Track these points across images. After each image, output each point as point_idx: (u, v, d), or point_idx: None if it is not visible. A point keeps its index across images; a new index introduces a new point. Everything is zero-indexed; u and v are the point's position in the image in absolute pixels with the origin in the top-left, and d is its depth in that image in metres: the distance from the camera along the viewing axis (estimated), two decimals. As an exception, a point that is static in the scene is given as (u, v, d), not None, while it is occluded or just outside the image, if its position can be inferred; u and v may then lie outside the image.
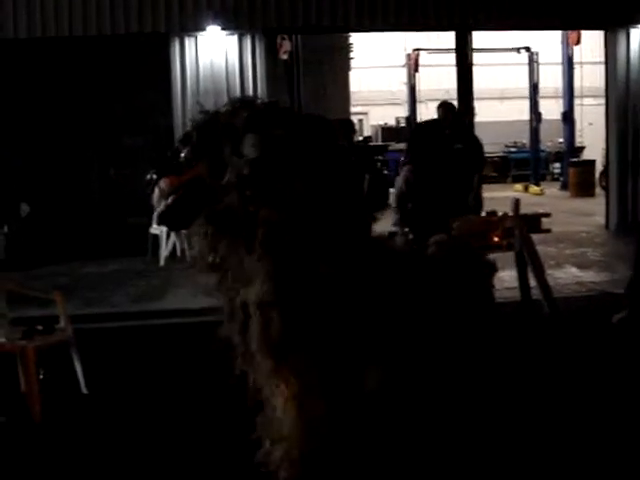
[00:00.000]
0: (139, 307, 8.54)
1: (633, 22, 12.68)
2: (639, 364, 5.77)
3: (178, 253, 11.34)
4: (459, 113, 9.40)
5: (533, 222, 7.03)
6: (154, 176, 3.24)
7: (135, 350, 6.87)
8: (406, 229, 4.51)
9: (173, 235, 11.33)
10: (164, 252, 11.12)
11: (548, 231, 7.38)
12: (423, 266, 3.59)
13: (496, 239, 6.57)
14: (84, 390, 5.62)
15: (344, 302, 3.17)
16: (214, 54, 11.83)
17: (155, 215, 3.31)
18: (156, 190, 3.21)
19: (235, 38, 11.85)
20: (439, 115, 9.02)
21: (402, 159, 9.19)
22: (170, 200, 3.16)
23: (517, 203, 6.74)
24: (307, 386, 3.26)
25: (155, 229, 11.29)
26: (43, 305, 6.50)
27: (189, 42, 11.82)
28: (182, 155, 3.22)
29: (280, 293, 3.11)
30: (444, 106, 9.04)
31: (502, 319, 4.57)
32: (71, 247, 11.71)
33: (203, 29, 11.68)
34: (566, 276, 9.34)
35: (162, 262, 11.00)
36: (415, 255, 3.71)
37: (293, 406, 3.27)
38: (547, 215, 7.30)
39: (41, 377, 5.35)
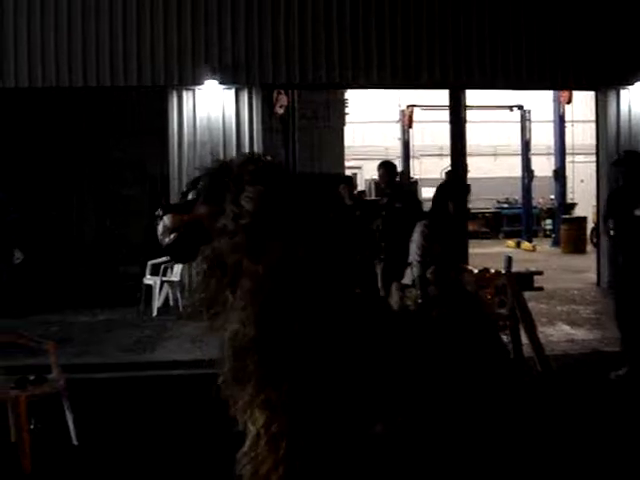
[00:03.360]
0: (131, 358, 8.51)
1: (622, 83, 12.94)
2: (634, 422, 5.79)
3: (171, 303, 11.35)
4: (396, 173, 9.67)
5: (525, 280, 7.09)
6: (160, 212, 3.49)
7: (127, 401, 6.84)
8: (419, 292, 4.60)
9: (166, 286, 11.36)
10: (157, 302, 11.11)
11: (540, 289, 7.44)
12: (424, 324, 3.67)
13: (489, 296, 6.62)
14: (75, 441, 5.58)
15: (317, 361, 3.28)
16: (211, 107, 11.99)
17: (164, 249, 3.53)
18: (161, 224, 3.45)
19: (232, 92, 12.02)
20: (380, 174, 9.20)
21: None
22: (172, 236, 3.34)
23: (509, 261, 6.80)
24: (274, 422, 3.35)
25: (148, 279, 11.31)
26: (35, 354, 6.48)
27: (187, 95, 11.99)
28: (189, 197, 3.49)
29: (258, 334, 3.28)
30: (385, 166, 9.22)
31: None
32: (64, 295, 11.71)
33: (201, 83, 11.87)
34: (558, 333, 9.37)
35: (155, 312, 10.99)
36: (419, 314, 3.81)
37: (265, 436, 3.35)
38: (539, 273, 7.36)
39: (32, 427, 5.33)
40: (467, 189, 6.58)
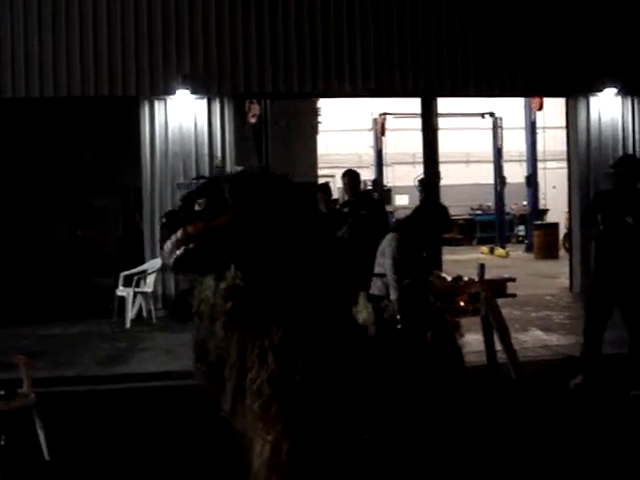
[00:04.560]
0: (105, 371, 8.42)
1: (592, 90, 13.08)
2: (592, 429, 5.83)
3: (144, 315, 11.27)
4: (360, 181, 9.69)
5: (498, 287, 7.12)
6: (177, 222, 3.33)
7: (100, 415, 6.76)
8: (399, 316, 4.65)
9: (139, 297, 11.27)
10: (130, 314, 11.02)
11: (513, 296, 7.47)
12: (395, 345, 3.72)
13: (462, 304, 6.64)
14: (47, 457, 5.51)
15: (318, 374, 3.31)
16: (183, 117, 11.95)
17: (171, 261, 3.33)
18: (172, 238, 3.28)
19: (204, 102, 12.00)
20: (344, 183, 9.20)
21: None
22: (194, 244, 3.23)
23: (482, 268, 6.83)
24: (287, 431, 3.34)
25: (121, 291, 11.22)
26: (5, 368, 6.39)
27: (159, 105, 11.94)
28: (198, 205, 3.35)
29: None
30: (349, 174, 9.23)
31: (470, 382, 4.63)
32: (35, 308, 11.58)
33: (173, 93, 11.82)
34: (531, 339, 9.41)
35: (128, 324, 10.90)
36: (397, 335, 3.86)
37: (268, 450, 3.34)
38: (512, 280, 7.40)
39: (2, 443, 5.24)
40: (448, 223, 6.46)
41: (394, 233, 6.23)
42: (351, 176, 9.18)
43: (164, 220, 3.39)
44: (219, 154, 11.94)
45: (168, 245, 3.30)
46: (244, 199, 3.32)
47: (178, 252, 3.27)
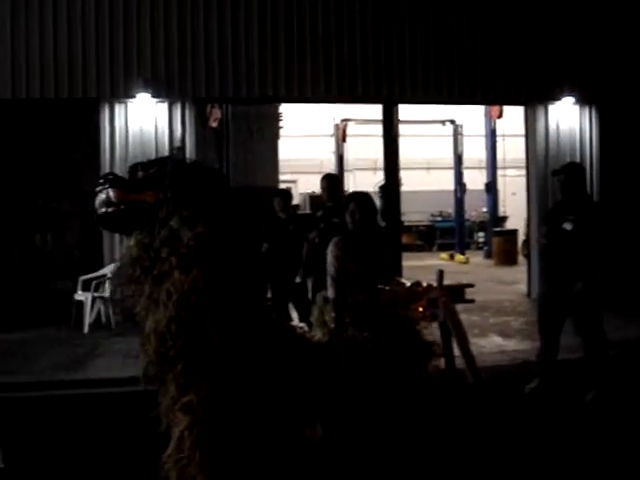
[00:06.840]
0: (61, 376, 8.32)
1: (551, 99, 13.26)
2: (548, 433, 5.91)
3: (103, 320, 11.16)
4: (339, 186, 9.50)
5: (457, 292, 7.15)
6: (106, 184, 3.56)
7: (56, 421, 6.68)
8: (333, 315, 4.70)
9: (98, 302, 11.17)
10: (88, 319, 10.91)
11: (472, 301, 7.51)
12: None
13: (420, 310, 6.66)
14: (1, 464, 5.43)
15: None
16: (144, 121, 11.88)
17: (95, 216, 3.57)
18: (103, 194, 3.50)
19: (165, 106, 11.94)
20: (323, 187, 9.02)
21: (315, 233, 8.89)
22: (112, 209, 3.50)
23: (441, 274, 6.86)
24: (197, 424, 3.42)
25: (80, 295, 11.11)
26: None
27: (119, 108, 11.85)
28: (138, 176, 3.59)
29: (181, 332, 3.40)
30: (328, 178, 9.09)
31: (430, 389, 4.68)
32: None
33: (133, 96, 11.75)
34: (490, 345, 9.51)
35: (86, 329, 10.79)
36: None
37: (188, 438, 3.42)
38: (470, 286, 7.43)
39: (-44, 451, 5.17)
40: (367, 202, 6.33)
41: (336, 237, 6.24)
42: (330, 180, 9.03)
43: (101, 181, 3.62)
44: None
45: (98, 200, 3.55)
46: (179, 184, 3.49)
47: (101, 211, 3.54)
